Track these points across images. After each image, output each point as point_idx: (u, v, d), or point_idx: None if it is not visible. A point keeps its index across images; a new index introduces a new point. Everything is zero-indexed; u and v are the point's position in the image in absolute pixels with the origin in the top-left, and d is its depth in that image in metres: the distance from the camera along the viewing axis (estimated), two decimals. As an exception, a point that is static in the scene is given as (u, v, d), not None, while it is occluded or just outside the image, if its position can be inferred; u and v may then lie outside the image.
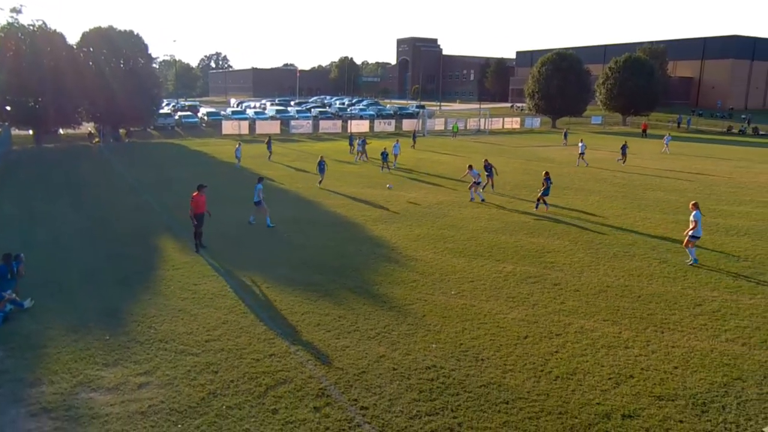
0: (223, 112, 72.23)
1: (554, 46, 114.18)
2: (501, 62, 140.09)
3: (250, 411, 8.75)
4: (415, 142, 49.02)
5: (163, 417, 8.56)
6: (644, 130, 66.73)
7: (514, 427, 8.39)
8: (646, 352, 10.81)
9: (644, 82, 74.74)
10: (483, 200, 25.31)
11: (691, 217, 16.27)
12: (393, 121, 69.48)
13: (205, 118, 68.03)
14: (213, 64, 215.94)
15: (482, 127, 70.59)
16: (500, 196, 26.71)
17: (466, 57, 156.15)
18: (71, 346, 10.77)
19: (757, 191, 29.10)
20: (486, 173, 27.30)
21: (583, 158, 38.05)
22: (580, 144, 38.80)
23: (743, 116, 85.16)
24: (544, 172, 24.05)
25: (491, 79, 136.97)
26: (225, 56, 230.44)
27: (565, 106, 74.70)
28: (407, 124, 68.66)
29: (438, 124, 70.28)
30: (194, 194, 17.01)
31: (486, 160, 28.15)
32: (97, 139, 50.19)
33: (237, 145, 36.79)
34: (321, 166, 28.48)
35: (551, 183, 23.62)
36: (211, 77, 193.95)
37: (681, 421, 8.54)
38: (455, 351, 10.78)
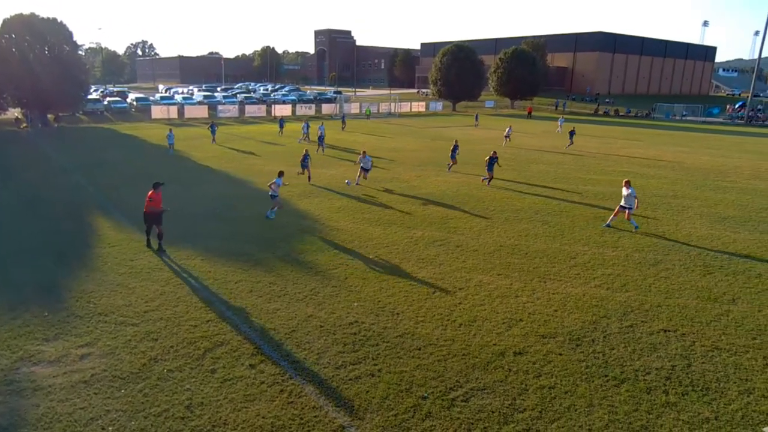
0: (152, 98, 68.01)
1: (453, 39, 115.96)
2: (408, 53, 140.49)
3: (190, 372, 8.50)
4: (344, 125, 48.53)
5: (106, 384, 8.15)
6: (529, 113, 69.59)
7: (426, 369, 8.69)
8: (532, 299, 11.46)
9: (528, 71, 77.65)
10: (348, 183, 22.60)
11: (630, 192, 16.26)
12: (313, 106, 68.32)
13: (134, 103, 63.78)
14: (140, 52, 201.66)
15: (393, 111, 70.89)
16: (409, 171, 27.06)
17: (377, 47, 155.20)
18: (9, 324, 9.95)
19: (617, 163, 31.23)
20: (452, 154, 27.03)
21: (509, 140, 38.57)
22: (507, 128, 39.99)
23: (607, 100, 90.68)
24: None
25: (399, 67, 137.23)
26: (151, 44, 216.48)
27: (463, 91, 76.37)
28: (326, 108, 67.92)
29: (354, 108, 69.86)
30: (150, 193, 13.82)
31: (456, 141, 28.10)
32: (24, 125, 45.84)
33: (168, 131, 32.98)
34: (305, 160, 23.63)
35: (495, 160, 23.28)
36: (139, 65, 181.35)
37: (560, 354, 9.18)
38: (374, 308, 10.94)
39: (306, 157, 23.72)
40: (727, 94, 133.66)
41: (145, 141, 38.82)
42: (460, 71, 73.74)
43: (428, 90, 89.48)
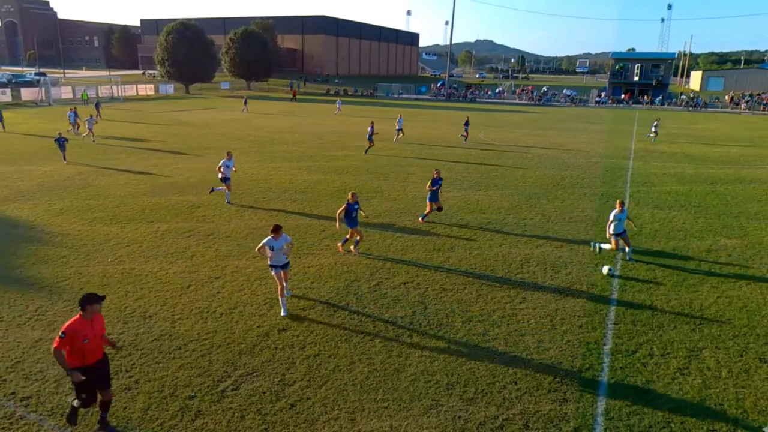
0: None
1: (177, 16, 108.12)
2: (126, 29, 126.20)
3: None
4: (246, 107, 48.23)
5: None
6: (294, 96, 68.30)
7: (189, 367, 8.22)
8: (290, 275, 11.75)
9: (259, 52, 77.66)
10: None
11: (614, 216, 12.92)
12: (8, 90, 56.12)
13: None
14: None
15: (116, 95, 63.12)
16: (148, 159, 24.67)
17: (87, 22, 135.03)
18: None
19: (354, 138, 33.85)
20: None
21: (401, 133, 32.59)
22: (398, 119, 33.85)
23: (336, 81, 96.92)
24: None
25: (118, 46, 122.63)
26: None
27: (194, 73, 72.44)
28: (27, 93, 56.52)
29: (65, 93, 59.94)
30: (74, 320, 6.25)
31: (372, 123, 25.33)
32: None
33: None
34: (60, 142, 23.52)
35: None
36: None
37: (320, 323, 9.70)
38: (121, 315, 9.81)
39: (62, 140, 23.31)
40: (431, 75, 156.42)
41: None
42: (189, 51, 69.56)
43: (155, 71, 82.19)
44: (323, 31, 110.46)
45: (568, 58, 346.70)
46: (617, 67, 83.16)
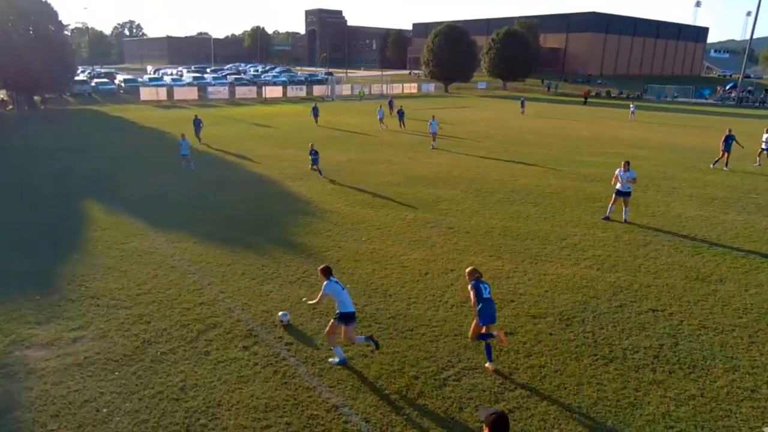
0: (140, 79, 67.03)
1: (446, 19, 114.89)
2: (400, 33, 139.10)
3: (184, 354, 8.53)
4: (391, 109, 42.93)
5: (100, 367, 8.17)
6: (585, 98, 63.92)
7: (417, 349, 8.77)
8: (524, 280, 11.56)
9: (520, 52, 77.25)
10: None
11: (630, 175, 15.26)
12: (304, 87, 67.61)
13: (123, 84, 62.89)
14: (127, 32, 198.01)
15: (384, 92, 70.35)
16: (402, 153, 26.99)
17: (368, 28, 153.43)
18: (0, 308, 9.91)
19: (608, 144, 31.28)
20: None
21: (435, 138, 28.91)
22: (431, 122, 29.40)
23: (599, 81, 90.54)
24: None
25: (391, 48, 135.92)
26: (139, 24, 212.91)
27: (455, 72, 75.95)
28: (317, 90, 67.17)
29: (345, 90, 69.27)
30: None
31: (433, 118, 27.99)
32: (10, 107, 45.11)
33: (181, 137, 22.74)
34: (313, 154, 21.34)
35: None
36: (126, 45, 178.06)
37: (551, 334, 9.29)
38: (366, 289, 10.99)
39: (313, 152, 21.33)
40: (719, 76, 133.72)
41: (134, 123, 38.37)
42: (452, 52, 73.25)
43: (420, 71, 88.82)
44: (590, 29, 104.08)
45: None
46: None
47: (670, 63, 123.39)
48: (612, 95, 77.75)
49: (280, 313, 9.62)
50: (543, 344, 8.95)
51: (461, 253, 13.12)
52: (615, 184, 15.71)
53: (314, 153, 21.27)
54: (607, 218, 15.93)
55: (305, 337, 9.13)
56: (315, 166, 21.23)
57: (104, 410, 7.19)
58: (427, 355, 8.60)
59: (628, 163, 15.68)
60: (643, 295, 10.82)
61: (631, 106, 48.01)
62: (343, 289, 8.12)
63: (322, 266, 8.38)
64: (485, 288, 8.00)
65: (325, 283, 8.11)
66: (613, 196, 15.86)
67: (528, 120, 43.76)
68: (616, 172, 15.71)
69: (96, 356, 8.43)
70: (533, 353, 8.68)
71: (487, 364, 8.15)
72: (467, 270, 8.33)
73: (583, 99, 64.84)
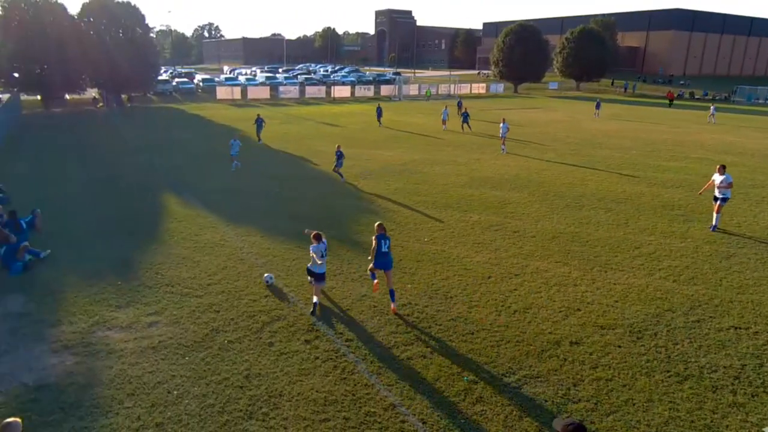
0: (217, 79, 70.24)
1: (517, 18, 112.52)
2: (469, 33, 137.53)
3: (249, 344, 8.86)
4: (460, 109, 39.93)
5: (172, 351, 8.63)
6: (671, 100, 60.22)
7: (478, 353, 8.65)
8: (592, 288, 11.11)
9: (596, 52, 74.27)
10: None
11: (725, 178, 14.55)
12: (372, 87, 68.28)
13: (201, 84, 66.15)
14: (206, 34, 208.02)
15: (452, 93, 69.82)
16: (468, 153, 26.68)
17: (437, 28, 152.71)
18: (86, 291, 10.71)
19: (690, 148, 29.47)
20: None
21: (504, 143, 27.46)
22: (501, 125, 27.79)
23: (681, 82, 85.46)
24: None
25: (460, 48, 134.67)
26: (217, 26, 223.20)
27: (526, 72, 74.13)
28: (385, 90, 67.68)
29: (412, 90, 69.33)
30: None
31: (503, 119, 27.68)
32: (101, 104, 48.57)
33: (234, 139, 22.84)
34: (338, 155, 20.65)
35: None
36: (205, 46, 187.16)
37: (619, 347, 8.88)
38: (428, 290, 10.96)
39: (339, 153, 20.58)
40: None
41: (210, 121, 40.23)
42: (523, 52, 71.52)
43: (489, 71, 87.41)
44: (674, 26, 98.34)
45: None
46: None
47: (763, 62, 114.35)
48: (696, 97, 73.19)
49: (266, 275, 10.97)
50: (611, 357, 8.57)
51: (526, 257, 12.80)
52: (705, 190, 15.00)
53: (340, 155, 20.46)
54: (714, 228, 14.93)
55: (366, 334, 9.22)
56: (337, 169, 20.57)
57: (174, 392, 7.60)
58: (487, 360, 8.46)
59: (724, 167, 14.87)
60: (725, 311, 10.12)
61: (712, 107, 45.38)
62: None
63: (314, 232, 10.06)
64: (385, 243, 9.81)
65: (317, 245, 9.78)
66: (713, 203, 15.03)
67: (603, 122, 42.01)
68: (712, 177, 14.97)
69: (169, 341, 8.91)
70: (600, 365, 8.33)
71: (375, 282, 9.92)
72: (376, 224, 10.20)
73: (667, 101, 61.07)
